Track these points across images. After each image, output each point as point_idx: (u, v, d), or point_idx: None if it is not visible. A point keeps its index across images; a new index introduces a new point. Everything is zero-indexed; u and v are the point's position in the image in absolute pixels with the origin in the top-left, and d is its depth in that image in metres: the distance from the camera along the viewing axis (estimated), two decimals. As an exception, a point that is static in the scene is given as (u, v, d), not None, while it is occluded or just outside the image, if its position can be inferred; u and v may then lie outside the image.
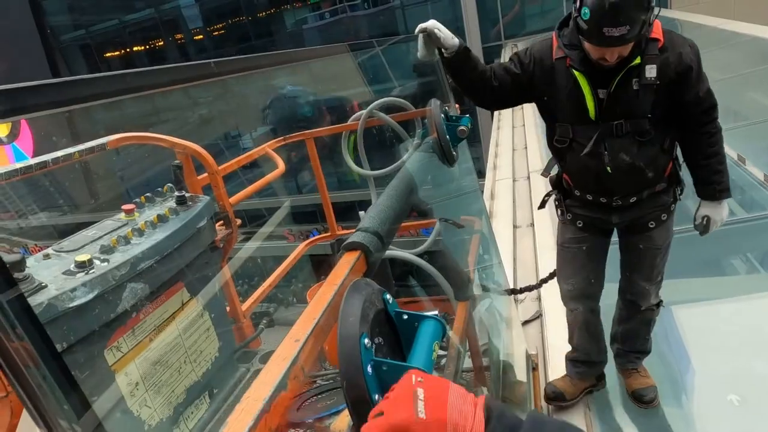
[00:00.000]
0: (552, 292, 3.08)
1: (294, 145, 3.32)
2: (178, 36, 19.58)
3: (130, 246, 1.95)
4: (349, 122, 2.78)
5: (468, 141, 1.93)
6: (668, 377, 2.41)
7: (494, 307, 2.48)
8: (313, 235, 3.82)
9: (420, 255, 2.16)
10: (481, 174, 6.38)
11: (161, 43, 19.77)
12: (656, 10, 1.66)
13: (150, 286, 1.95)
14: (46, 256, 1.82)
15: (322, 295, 0.83)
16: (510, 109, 8.15)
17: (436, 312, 0.84)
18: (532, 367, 2.63)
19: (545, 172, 2.17)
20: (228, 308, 2.67)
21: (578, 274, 2.12)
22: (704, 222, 1.95)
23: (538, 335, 2.94)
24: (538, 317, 3.08)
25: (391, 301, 0.84)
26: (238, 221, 2.66)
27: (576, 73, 1.78)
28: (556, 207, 2.16)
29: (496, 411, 0.61)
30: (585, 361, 2.29)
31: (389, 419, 0.58)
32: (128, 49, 19.95)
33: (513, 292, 2.84)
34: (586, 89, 1.78)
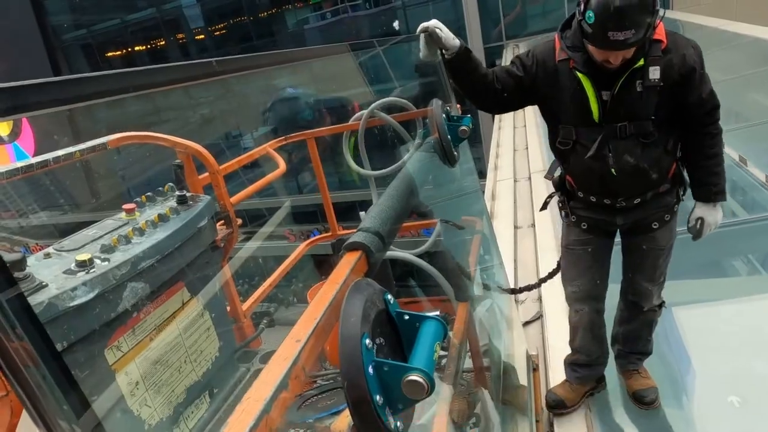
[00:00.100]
0: (553, 293, 3.08)
1: (294, 145, 3.33)
2: (180, 36, 19.60)
3: (131, 245, 1.95)
4: (350, 122, 2.78)
5: (469, 141, 1.93)
6: (669, 378, 2.40)
7: (495, 308, 2.48)
8: (314, 235, 3.82)
9: (420, 255, 2.16)
10: (482, 174, 6.38)
11: (162, 42, 19.79)
12: (661, 12, 1.65)
13: (150, 285, 1.95)
14: (47, 255, 1.82)
15: (324, 295, 0.82)
16: (511, 110, 8.14)
17: (438, 312, 0.84)
18: (533, 367, 2.62)
19: (549, 175, 2.16)
20: (228, 308, 2.67)
21: (583, 276, 2.12)
22: (698, 225, 1.95)
23: (538, 336, 2.93)
24: (538, 318, 3.08)
25: (392, 302, 0.84)
26: (239, 221, 2.66)
27: (580, 75, 1.77)
28: (560, 209, 2.15)
29: None
30: (585, 363, 2.28)
31: None
32: (130, 49, 19.98)
33: (513, 291, 2.84)
34: (589, 91, 1.78)
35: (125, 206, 2.20)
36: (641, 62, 1.71)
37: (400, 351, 0.84)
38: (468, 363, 2.01)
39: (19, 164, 1.95)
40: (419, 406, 0.83)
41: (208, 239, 2.40)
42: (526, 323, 3.06)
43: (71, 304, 1.62)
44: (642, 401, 2.23)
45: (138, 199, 2.32)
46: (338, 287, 0.84)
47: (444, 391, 1.53)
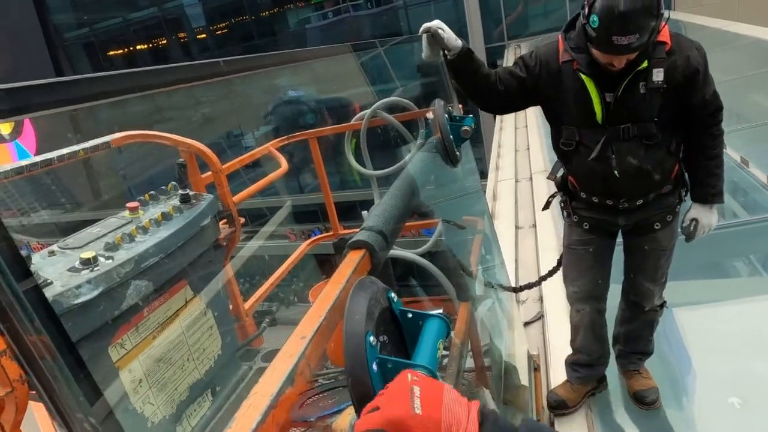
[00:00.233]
0: (554, 293, 3.08)
1: (296, 145, 3.34)
2: (182, 35, 19.61)
3: (135, 244, 1.96)
4: (352, 122, 2.78)
5: (470, 142, 1.93)
6: (669, 379, 2.41)
7: (496, 308, 2.49)
8: (315, 235, 3.83)
9: (422, 255, 2.17)
10: (483, 175, 6.38)
11: (164, 41, 19.80)
12: (666, 14, 1.65)
13: (154, 283, 1.96)
14: (51, 253, 1.83)
15: (328, 293, 0.83)
16: (512, 110, 8.14)
17: (441, 311, 0.85)
18: (534, 367, 2.63)
19: (551, 175, 2.16)
20: (231, 306, 2.68)
21: (585, 276, 2.12)
22: (692, 226, 1.95)
23: (539, 336, 2.94)
24: (539, 318, 3.08)
25: (395, 300, 0.85)
26: (242, 220, 2.67)
27: (583, 76, 1.77)
28: (562, 209, 2.16)
29: (491, 416, 0.62)
30: (586, 363, 2.29)
31: (385, 413, 0.59)
32: (131, 48, 19.99)
33: (514, 290, 2.84)
34: (593, 93, 1.78)
35: (129, 204, 2.21)
36: (645, 64, 1.71)
37: (403, 349, 0.85)
38: (469, 363, 2.02)
39: (23, 163, 1.96)
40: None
41: (210, 238, 2.41)
42: (527, 323, 3.07)
43: (75, 302, 1.63)
44: (643, 401, 2.24)
45: (141, 197, 2.33)
46: (342, 285, 0.85)
47: (445, 390, 1.53)
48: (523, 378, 2.39)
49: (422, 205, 2.39)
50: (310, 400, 2.29)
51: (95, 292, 1.69)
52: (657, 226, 1.97)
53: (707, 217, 1.93)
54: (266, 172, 3.18)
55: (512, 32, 15.11)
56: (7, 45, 15.35)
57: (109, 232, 2.01)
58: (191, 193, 2.38)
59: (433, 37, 1.80)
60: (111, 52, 20.18)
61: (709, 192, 1.89)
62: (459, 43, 1.83)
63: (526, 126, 7.56)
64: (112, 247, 1.87)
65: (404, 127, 2.67)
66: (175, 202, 2.32)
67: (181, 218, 2.20)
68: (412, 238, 3.22)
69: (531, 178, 5.47)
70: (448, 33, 1.81)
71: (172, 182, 2.43)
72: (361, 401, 0.70)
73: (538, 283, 2.74)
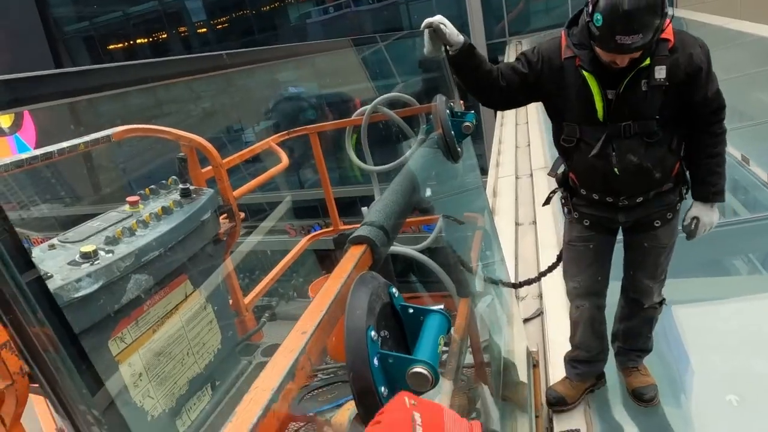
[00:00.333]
0: (553, 290, 3.09)
1: (296, 142, 3.33)
2: (182, 29, 19.55)
3: (135, 237, 1.96)
4: (353, 117, 2.77)
5: (471, 138, 1.93)
6: (668, 376, 2.41)
7: (495, 304, 2.49)
8: (315, 230, 3.83)
9: (422, 251, 2.17)
10: (483, 171, 6.38)
11: (164, 35, 19.74)
12: (670, 11, 1.64)
13: (154, 277, 1.96)
14: (52, 246, 1.83)
15: (329, 288, 0.83)
16: (513, 107, 8.13)
17: (442, 306, 0.85)
18: (533, 364, 2.64)
19: (552, 172, 2.16)
20: (231, 301, 2.68)
21: (584, 272, 2.12)
22: (693, 225, 1.94)
23: (539, 332, 2.94)
24: (539, 315, 3.09)
25: (396, 295, 0.85)
26: (242, 215, 2.66)
27: (585, 73, 1.77)
28: (563, 205, 2.16)
29: None
30: (585, 359, 2.30)
31: None
32: (131, 42, 19.93)
33: (513, 285, 2.84)
34: (595, 90, 1.77)
35: (129, 198, 2.20)
36: (647, 61, 1.71)
37: (404, 344, 0.85)
38: (469, 359, 2.03)
39: (24, 156, 1.95)
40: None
41: (211, 232, 2.41)
42: (527, 320, 3.07)
43: (76, 295, 1.63)
44: (641, 398, 2.24)
45: (142, 191, 2.33)
46: (343, 280, 0.85)
47: (445, 386, 1.54)
48: (522, 374, 2.40)
49: (423, 201, 2.39)
50: (310, 394, 2.30)
51: (95, 286, 1.69)
52: (657, 223, 1.97)
53: (708, 215, 1.92)
54: (267, 167, 3.18)
55: (513, 28, 15.06)
56: (6, 38, 15.30)
57: (110, 225, 2.01)
58: (192, 187, 2.37)
59: (435, 32, 1.80)
60: (111, 46, 20.11)
61: (710, 190, 1.89)
62: (461, 38, 1.83)
63: (527, 122, 7.55)
64: (112, 241, 1.87)
65: (405, 123, 2.66)
66: (176, 196, 2.31)
67: (181, 212, 2.20)
68: (411, 234, 3.23)
69: (531, 175, 5.46)
70: (450, 28, 1.80)
71: (173, 176, 2.43)
72: (361, 396, 0.70)
73: (537, 278, 2.74)
